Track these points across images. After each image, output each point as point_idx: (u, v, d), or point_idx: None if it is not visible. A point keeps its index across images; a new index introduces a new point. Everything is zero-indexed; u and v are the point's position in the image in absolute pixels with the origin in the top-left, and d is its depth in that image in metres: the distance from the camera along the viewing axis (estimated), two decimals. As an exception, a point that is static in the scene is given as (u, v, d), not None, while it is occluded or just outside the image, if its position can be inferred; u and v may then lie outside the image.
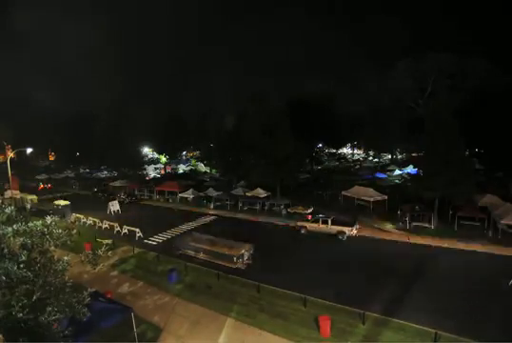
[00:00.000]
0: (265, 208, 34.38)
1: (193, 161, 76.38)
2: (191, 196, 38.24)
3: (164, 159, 69.49)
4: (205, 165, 65.92)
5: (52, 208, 32.79)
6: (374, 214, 30.23)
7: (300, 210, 32.29)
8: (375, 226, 27.46)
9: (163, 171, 68.02)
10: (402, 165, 57.62)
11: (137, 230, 25.83)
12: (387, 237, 24.76)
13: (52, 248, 8.74)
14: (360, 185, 36.68)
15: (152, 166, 71.75)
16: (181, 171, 69.03)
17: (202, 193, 38.89)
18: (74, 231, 9.79)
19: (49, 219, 8.75)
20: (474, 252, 21.16)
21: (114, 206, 35.29)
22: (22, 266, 7.70)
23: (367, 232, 25.78)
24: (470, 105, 37.39)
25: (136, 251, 22.62)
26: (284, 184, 37.46)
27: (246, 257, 19.62)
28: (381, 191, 33.74)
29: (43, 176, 60.59)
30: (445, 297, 15.11)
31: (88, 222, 30.17)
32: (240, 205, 35.63)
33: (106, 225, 28.72)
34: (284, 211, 32.52)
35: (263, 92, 40.80)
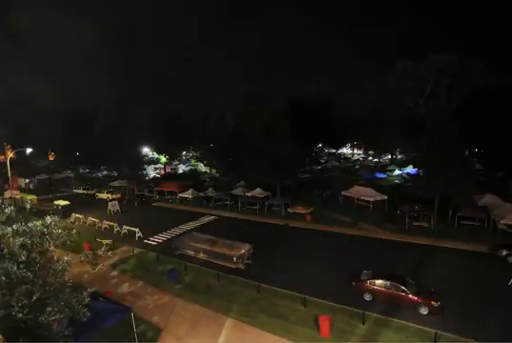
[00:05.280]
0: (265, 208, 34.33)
1: (193, 161, 76.33)
2: (191, 196, 38.19)
3: (164, 159, 69.48)
4: (205, 165, 65.88)
5: (52, 208, 32.85)
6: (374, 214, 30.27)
7: (300, 210, 32.29)
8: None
9: (162, 172, 67.99)
10: (402, 165, 57.64)
11: (137, 230, 25.82)
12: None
13: (52, 248, 8.73)
14: (360, 185, 36.69)
15: (152, 166, 71.70)
16: (181, 171, 69.00)
17: (202, 193, 38.85)
18: (74, 231, 9.78)
19: (48, 219, 8.74)
20: (474, 251, 21.18)
21: (114, 206, 35.26)
22: (22, 266, 7.70)
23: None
24: (470, 105, 37.38)
25: (136, 251, 22.63)
26: (284, 184, 37.46)
27: (245, 257, 19.62)
28: (381, 191, 33.74)
29: (43, 176, 60.58)
30: (446, 297, 15.09)
31: (88, 222, 30.16)
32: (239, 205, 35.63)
33: (105, 225, 28.71)
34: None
35: (262, 93, 40.86)
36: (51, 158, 76.74)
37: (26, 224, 8.48)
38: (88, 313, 8.68)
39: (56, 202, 35.27)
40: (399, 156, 74.06)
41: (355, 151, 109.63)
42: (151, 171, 67.49)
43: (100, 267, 19.74)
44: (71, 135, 56.02)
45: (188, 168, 73.00)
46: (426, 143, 26.06)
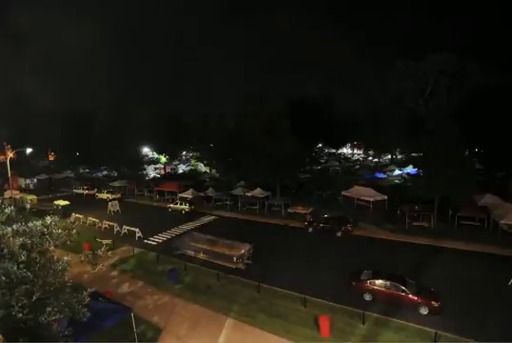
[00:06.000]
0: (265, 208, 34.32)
1: (193, 161, 76.34)
2: (191, 196, 38.16)
3: (164, 159, 69.49)
4: (205, 165, 65.89)
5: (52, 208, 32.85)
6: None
7: (300, 209, 32.29)
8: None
9: (162, 171, 68.00)
10: (402, 165, 57.62)
11: (137, 230, 25.82)
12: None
13: (52, 248, 8.73)
14: (360, 185, 36.67)
15: (152, 166, 71.70)
16: (181, 171, 69.02)
17: (202, 193, 38.85)
18: (74, 231, 9.77)
19: (48, 219, 8.74)
20: (474, 251, 21.17)
21: (114, 206, 35.27)
22: (22, 266, 7.70)
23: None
24: (470, 105, 37.39)
25: (136, 251, 22.62)
26: (284, 184, 37.45)
27: (245, 257, 19.61)
28: (381, 191, 33.73)
29: (43, 176, 60.59)
30: (446, 297, 15.09)
31: (88, 222, 30.16)
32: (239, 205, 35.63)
33: (105, 225, 28.71)
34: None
35: (262, 93, 40.91)
36: (51, 158, 76.73)
37: (26, 224, 8.47)
38: (88, 313, 8.67)
39: (56, 202, 35.27)
40: (399, 156, 74.05)
41: (355, 151, 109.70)
42: (151, 171, 67.48)
43: (100, 267, 19.74)
44: (71, 135, 56.02)
45: (188, 168, 73.00)
46: (426, 143, 26.06)
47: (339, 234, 24.60)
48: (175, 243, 22.43)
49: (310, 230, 26.64)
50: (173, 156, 70.42)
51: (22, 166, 56.34)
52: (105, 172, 67.68)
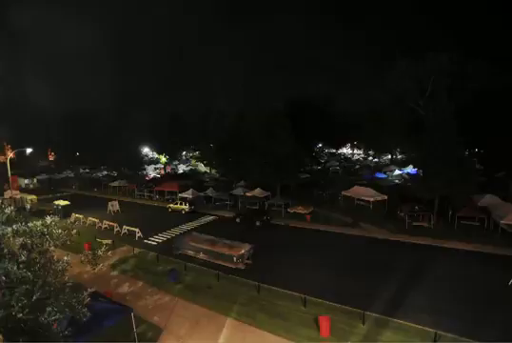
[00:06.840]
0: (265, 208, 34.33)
1: (193, 161, 76.33)
2: (191, 196, 38.15)
3: (164, 159, 69.51)
4: (205, 165, 65.93)
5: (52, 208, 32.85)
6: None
7: (300, 210, 32.28)
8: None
9: (162, 171, 68.01)
10: (402, 165, 57.63)
11: (137, 230, 25.82)
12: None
13: (52, 248, 8.73)
14: (360, 185, 36.67)
15: (152, 166, 71.73)
16: (181, 171, 69.03)
17: (202, 193, 38.84)
18: (74, 231, 9.78)
19: (48, 219, 8.74)
20: (474, 251, 21.17)
21: (114, 206, 35.27)
22: (22, 266, 7.70)
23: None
24: (470, 105, 37.39)
25: (136, 251, 22.63)
26: (284, 184, 37.44)
27: (245, 257, 19.61)
28: (381, 191, 33.74)
29: (43, 176, 60.63)
30: (446, 297, 15.09)
31: (88, 222, 30.15)
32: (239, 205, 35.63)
33: (105, 225, 28.70)
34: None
35: (262, 93, 40.87)
36: (51, 158, 76.76)
37: (26, 224, 8.47)
38: (89, 313, 8.67)
39: (56, 202, 35.26)
40: (399, 156, 74.04)
41: (355, 151, 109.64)
42: (151, 171, 67.51)
43: (100, 267, 19.73)
44: (71, 135, 56.05)
45: (188, 168, 73.00)
46: (426, 143, 26.06)
47: None
48: (175, 243, 22.43)
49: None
50: (173, 156, 70.47)
51: (22, 166, 56.35)
52: (105, 172, 67.73)
